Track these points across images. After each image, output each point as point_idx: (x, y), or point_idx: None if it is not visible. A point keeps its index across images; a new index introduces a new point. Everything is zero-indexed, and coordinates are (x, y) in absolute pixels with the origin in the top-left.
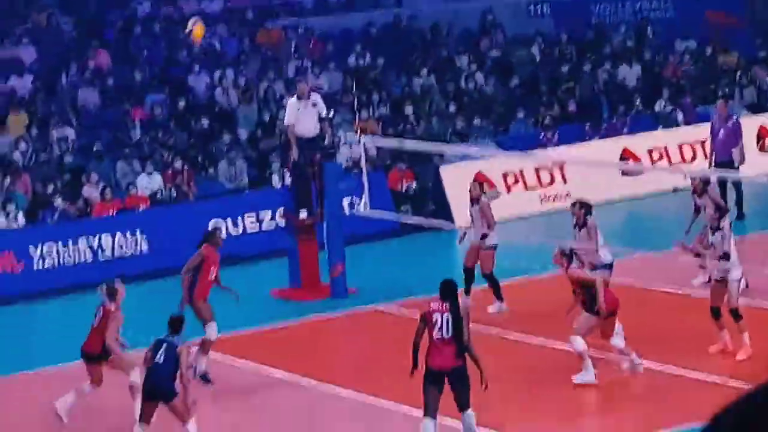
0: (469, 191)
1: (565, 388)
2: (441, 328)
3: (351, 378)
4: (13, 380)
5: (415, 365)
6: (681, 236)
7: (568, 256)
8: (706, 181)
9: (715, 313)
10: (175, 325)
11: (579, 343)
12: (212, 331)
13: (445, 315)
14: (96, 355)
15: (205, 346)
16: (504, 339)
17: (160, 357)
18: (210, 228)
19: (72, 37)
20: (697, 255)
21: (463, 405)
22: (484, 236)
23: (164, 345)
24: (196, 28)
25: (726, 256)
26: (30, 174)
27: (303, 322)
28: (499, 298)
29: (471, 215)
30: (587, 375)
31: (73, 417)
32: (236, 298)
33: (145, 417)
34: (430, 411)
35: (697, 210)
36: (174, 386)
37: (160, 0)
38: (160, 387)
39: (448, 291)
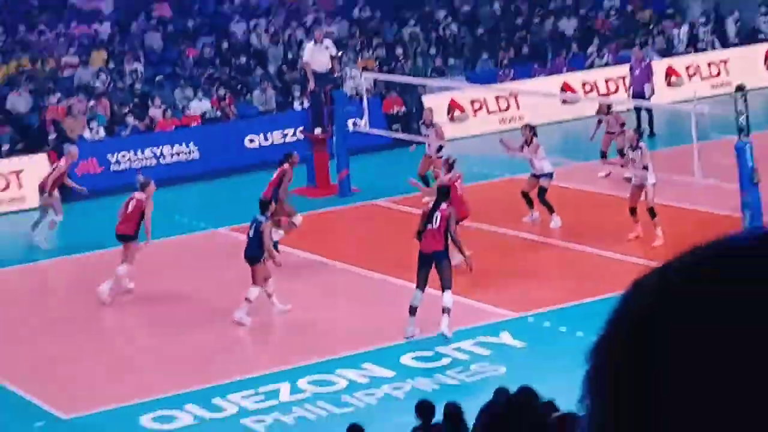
0: (425, 116)
1: (516, 263)
2: (432, 221)
3: (355, 257)
4: (103, 255)
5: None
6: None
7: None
8: (609, 105)
9: (632, 211)
10: (262, 206)
11: None
12: (298, 220)
13: (437, 213)
14: (129, 236)
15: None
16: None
17: (251, 231)
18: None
19: None
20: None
21: (445, 285)
22: (439, 148)
23: (254, 222)
24: None
25: (647, 168)
26: (108, 98)
27: (318, 213)
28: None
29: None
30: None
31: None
32: None
33: (253, 279)
34: (420, 284)
35: (599, 122)
36: (259, 254)
37: None
38: (248, 253)
39: (441, 193)
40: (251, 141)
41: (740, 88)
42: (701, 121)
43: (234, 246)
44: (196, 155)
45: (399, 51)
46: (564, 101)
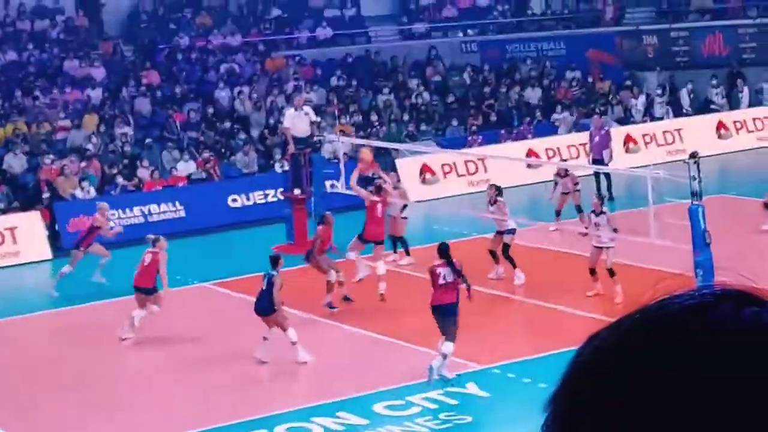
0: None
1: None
2: (444, 277)
3: (321, 308)
4: (91, 308)
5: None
6: (569, 211)
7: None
8: (566, 169)
9: (592, 271)
10: (273, 261)
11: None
12: (332, 276)
13: (446, 268)
14: (146, 288)
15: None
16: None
17: (264, 284)
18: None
19: (131, 61)
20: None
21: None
22: (403, 207)
23: (267, 276)
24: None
25: (616, 231)
26: (99, 159)
27: (297, 269)
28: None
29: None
30: None
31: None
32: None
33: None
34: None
35: (556, 184)
36: (271, 305)
37: (195, 35)
38: (260, 306)
39: (443, 251)
40: (234, 200)
41: (693, 155)
42: (657, 186)
43: (217, 300)
44: (182, 213)
45: (374, 117)
46: (529, 165)
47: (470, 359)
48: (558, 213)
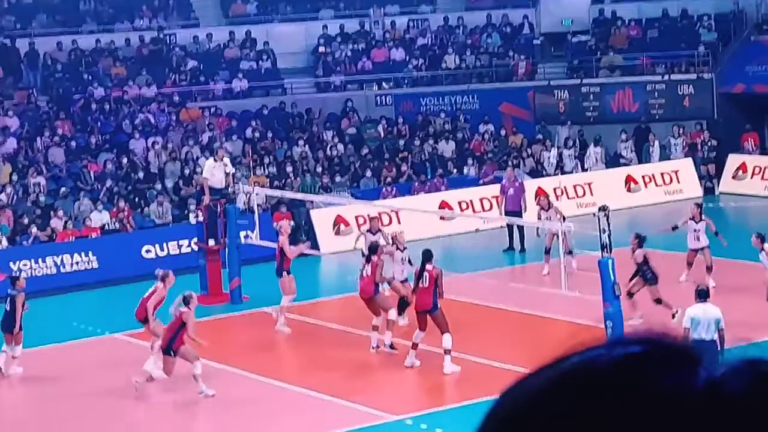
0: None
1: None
2: (422, 281)
3: (247, 362)
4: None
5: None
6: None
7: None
8: (548, 200)
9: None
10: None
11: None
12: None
13: (425, 273)
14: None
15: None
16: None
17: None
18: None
19: (45, 111)
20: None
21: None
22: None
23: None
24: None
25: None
26: (12, 210)
27: (210, 320)
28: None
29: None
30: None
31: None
32: None
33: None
34: (421, 327)
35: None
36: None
37: (110, 85)
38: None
39: (426, 258)
40: (148, 251)
41: (603, 208)
42: (567, 238)
43: (130, 351)
44: (95, 264)
45: (289, 169)
46: (442, 218)
47: (385, 410)
48: (548, 251)
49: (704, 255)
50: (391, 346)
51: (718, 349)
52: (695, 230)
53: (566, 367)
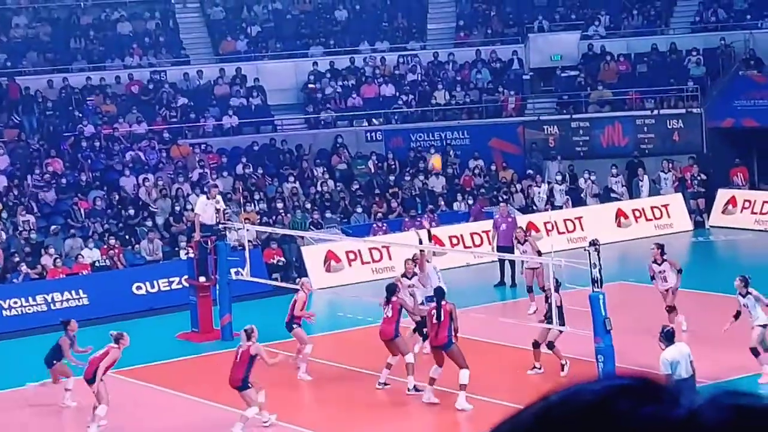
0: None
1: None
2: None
3: (235, 398)
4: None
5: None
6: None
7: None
8: (525, 233)
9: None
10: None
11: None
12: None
13: (441, 309)
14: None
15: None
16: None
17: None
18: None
19: (35, 149)
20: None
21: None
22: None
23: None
24: (435, 160)
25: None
26: (2, 247)
27: (201, 357)
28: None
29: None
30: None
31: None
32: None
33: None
34: (438, 363)
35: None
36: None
37: (101, 122)
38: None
39: (439, 295)
40: (138, 288)
41: (593, 243)
42: (558, 273)
43: (120, 389)
44: (85, 301)
45: (279, 205)
46: (434, 253)
47: None
48: (530, 289)
49: (669, 295)
50: (415, 389)
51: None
52: (660, 272)
53: (554, 399)
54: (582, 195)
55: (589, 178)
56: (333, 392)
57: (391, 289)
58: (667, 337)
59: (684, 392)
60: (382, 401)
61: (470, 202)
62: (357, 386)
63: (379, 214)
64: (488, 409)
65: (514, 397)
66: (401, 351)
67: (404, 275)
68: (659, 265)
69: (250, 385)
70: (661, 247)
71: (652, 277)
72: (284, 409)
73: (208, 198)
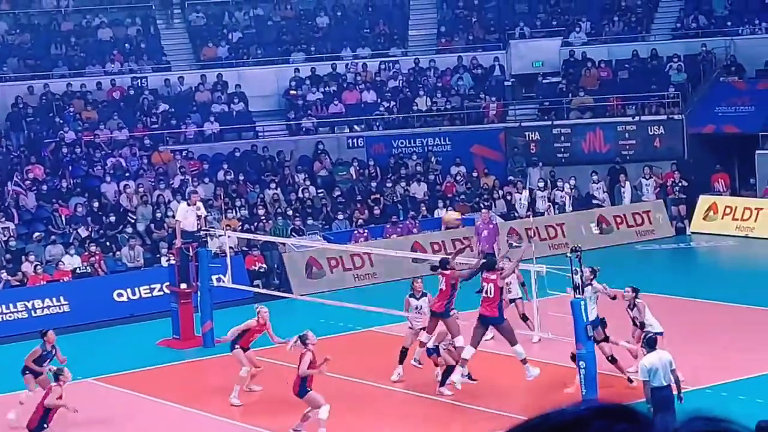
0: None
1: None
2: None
3: (216, 405)
4: None
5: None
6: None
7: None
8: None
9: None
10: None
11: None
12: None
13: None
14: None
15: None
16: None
17: None
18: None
19: (16, 155)
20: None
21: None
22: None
23: None
24: (450, 218)
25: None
26: None
27: (182, 363)
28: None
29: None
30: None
31: None
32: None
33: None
34: (474, 343)
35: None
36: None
37: (81, 129)
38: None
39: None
40: (119, 295)
41: (575, 249)
42: (540, 280)
43: (101, 396)
44: (66, 308)
45: (261, 211)
46: (414, 260)
47: None
48: (525, 318)
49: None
50: (469, 377)
51: (674, 393)
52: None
53: (536, 420)
54: (560, 200)
55: (568, 184)
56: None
57: (444, 263)
58: (649, 343)
59: (660, 417)
60: (364, 405)
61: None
62: (337, 391)
63: (361, 221)
64: (468, 414)
65: (493, 403)
66: (451, 330)
67: (412, 295)
68: (631, 310)
69: (309, 389)
70: (635, 291)
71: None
72: (259, 415)
73: (189, 205)
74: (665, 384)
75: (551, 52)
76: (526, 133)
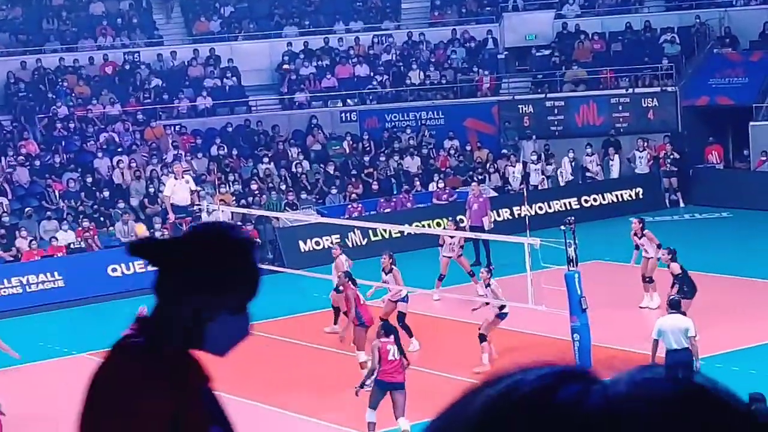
0: (384, 263)
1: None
2: (393, 354)
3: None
4: None
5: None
6: (449, 278)
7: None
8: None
9: (482, 338)
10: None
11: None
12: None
13: (393, 346)
14: None
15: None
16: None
17: None
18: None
19: (9, 131)
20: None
21: (399, 413)
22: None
23: None
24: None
25: (504, 307)
26: None
27: None
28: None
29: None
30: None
31: None
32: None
33: None
34: (373, 405)
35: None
36: None
37: (74, 104)
38: None
39: (390, 329)
40: (114, 270)
41: (569, 222)
42: (534, 253)
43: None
44: (61, 284)
45: (254, 186)
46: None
47: (355, 427)
48: (441, 278)
49: (648, 265)
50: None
51: (692, 358)
52: (640, 245)
53: (497, 392)
54: (559, 174)
55: (567, 156)
56: (308, 373)
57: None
58: (671, 304)
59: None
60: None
61: (441, 185)
62: (332, 366)
63: (354, 195)
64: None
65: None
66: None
67: (383, 270)
68: (639, 238)
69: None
70: (642, 221)
71: (637, 247)
72: (255, 389)
73: (175, 178)
74: (675, 348)
75: (544, 25)
76: (520, 107)
